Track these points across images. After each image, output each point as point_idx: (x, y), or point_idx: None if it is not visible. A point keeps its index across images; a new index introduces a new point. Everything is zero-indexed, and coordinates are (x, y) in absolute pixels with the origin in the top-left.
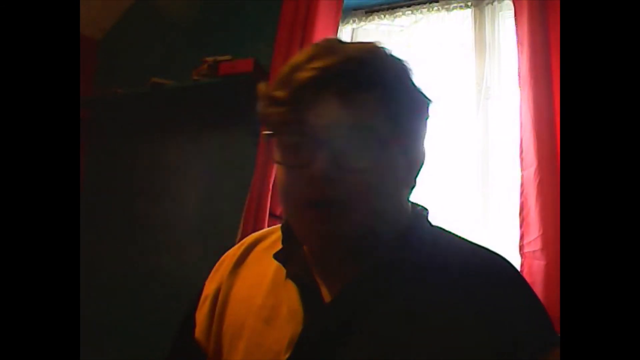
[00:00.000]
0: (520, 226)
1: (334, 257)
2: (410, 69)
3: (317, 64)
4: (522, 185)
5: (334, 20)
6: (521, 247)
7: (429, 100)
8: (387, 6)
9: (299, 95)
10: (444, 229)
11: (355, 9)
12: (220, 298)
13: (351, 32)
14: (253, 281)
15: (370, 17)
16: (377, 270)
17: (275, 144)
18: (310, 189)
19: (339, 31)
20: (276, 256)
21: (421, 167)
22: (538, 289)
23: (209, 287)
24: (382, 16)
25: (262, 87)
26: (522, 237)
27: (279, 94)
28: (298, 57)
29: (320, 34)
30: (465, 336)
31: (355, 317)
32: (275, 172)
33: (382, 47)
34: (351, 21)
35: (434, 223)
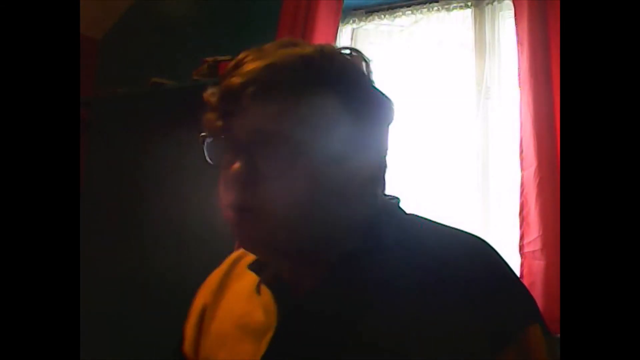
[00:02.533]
0: (520, 226)
1: (282, 260)
2: (365, 70)
3: (242, 70)
4: (522, 185)
5: (334, 20)
6: (521, 247)
7: (390, 101)
8: (387, 6)
9: (226, 101)
10: (418, 216)
11: (355, 9)
12: (207, 314)
13: (351, 32)
14: (236, 295)
15: (370, 17)
16: (344, 266)
17: (207, 146)
18: (230, 192)
19: (339, 31)
20: (250, 266)
21: (384, 169)
22: (538, 289)
23: (198, 303)
24: (382, 16)
25: (206, 92)
26: (522, 237)
27: (211, 99)
28: (232, 62)
29: (320, 34)
30: (437, 321)
31: (327, 310)
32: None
33: (333, 49)
34: (351, 21)
35: (410, 212)
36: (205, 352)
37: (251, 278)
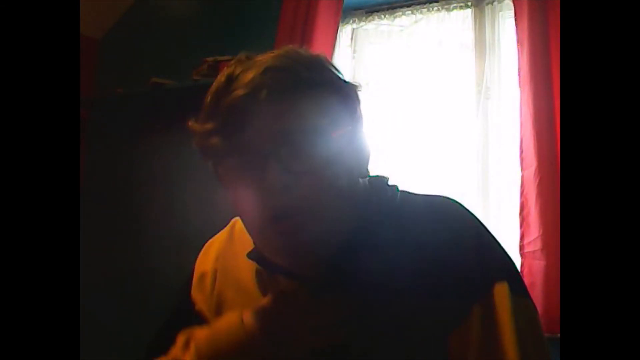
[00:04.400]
0: (520, 226)
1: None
2: (327, 61)
3: (240, 82)
4: (522, 185)
5: (334, 20)
6: (521, 247)
7: (356, 85)
8: (387, 6)
9: (231, 119)
10: (402, 191)
11: (355, 9)
12: (219, 278)
13: (351, 32)
14: (240, 264)
15: (370, 17)
16: (345, 248)
17: (220, 171)
18: (271, 203)
19: (339, 31)
20: (250, 255)
21: (368, 153)
22: (538, 289)
23: (204, 266)
24: (382, 16)
25: (191, 123)
26: (522, 237)
27: (209, 125)
28: (217, 83)
29: (320, 34)
30: (414, 290)
31: (334, 288)
32: (229, 198)
33: (295, 48)
34: (351, 21)
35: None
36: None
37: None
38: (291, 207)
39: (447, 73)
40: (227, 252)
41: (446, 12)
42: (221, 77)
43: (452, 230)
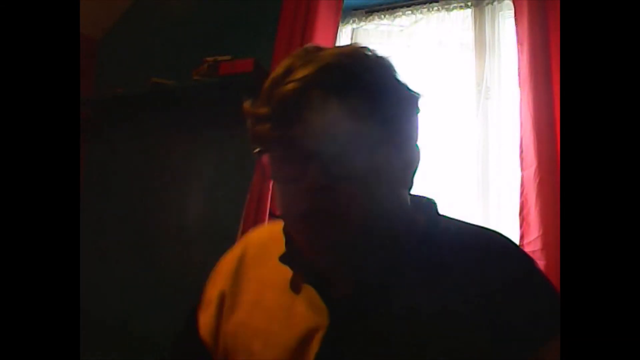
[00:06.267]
0: (520, 226)
1: (353, 259)
2: (392, 65)
3: (296, 75)
4: (522, 185)
5: (334, 20)
6: (521, 247)
7: (417, 94)
8: (387, 6)
9: (282, 110)
10: (451, 218)
11: (355, 9)
12: (227, 301)
13: (351, 32)
14: (260, 283)
15: (370, 17)
16: (384, 263)
17: (266, 160)
18: (306, 202)
19: (339, 31)
20: (282, 259)
21: (417, 165)
22: None
23: (213, 290)
24: (382, 16)
25: (247, 105)
26: (522, 237)
27: (262, 110)
28: (277, 70)
29: (320, 34)
30: (474, 319)
31: (373, 310)
32: (272, 186)
33: (361, 48)
34: (351, 21)
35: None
36: (228, 340)
37: (275, 266)
38: (324, 209)
39: (447, 73)
40: (239, 270)
41: (446, 12)
42: (280, 67)
43: (519, 270)
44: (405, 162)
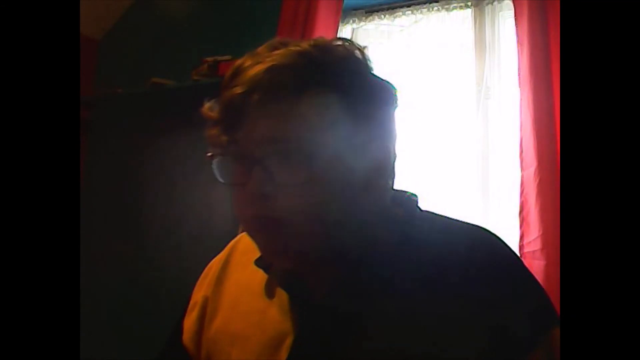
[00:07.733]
0: (520, 226)
1: (305, 266)
2: (365, 58)
3: (242, 78)
4: (522, 185)
5: (334, 20)
6: (521, 247)
7: (393, 87)
8: (387, 6)
9: (228, 115)
10: (434, 213)
11: (355, 9)
12: (209, 306)
13: (351, 32)
14: (238, 287)
15: (370, 17)
16: (360, 265)
17: (216, 164)
18: (251, 208)
19: (339, 31)
20: (257, 262)
21: (393, 161)
22: None
23: (197, 295)
24: (382, 16)
25: (204, 107)
26: (522, 237)
27: (212, 114)
28: (228, 71)
29: (320, 34)
30: (460, 320)
31: (348, 313)
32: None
33: (329, 41)
34: (351, 21)
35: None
36: (209, 346)
37: (254, 270)
38: (270, 215)
39: (447, 73)
40: (222, 275)
41: (446, 12)
42: (231, 69)
43: (505, 268)
44: (379, 158)
